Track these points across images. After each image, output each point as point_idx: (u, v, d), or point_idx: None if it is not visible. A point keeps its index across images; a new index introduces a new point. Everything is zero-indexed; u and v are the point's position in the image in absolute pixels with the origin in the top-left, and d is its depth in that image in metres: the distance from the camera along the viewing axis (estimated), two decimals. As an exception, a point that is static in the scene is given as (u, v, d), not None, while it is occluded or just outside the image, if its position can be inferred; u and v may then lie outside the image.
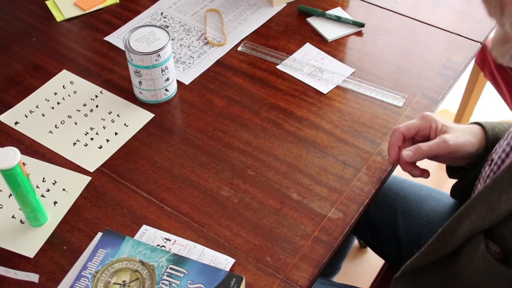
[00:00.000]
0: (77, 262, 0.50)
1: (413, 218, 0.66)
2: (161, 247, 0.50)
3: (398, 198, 0.67)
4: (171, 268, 0.48)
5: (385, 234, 0.69)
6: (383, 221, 0.68)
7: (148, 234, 0.51)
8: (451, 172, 0.59)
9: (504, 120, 0.55)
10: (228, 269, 0.49)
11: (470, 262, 0.43)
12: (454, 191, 0.61)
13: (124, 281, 0.47)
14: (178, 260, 0.49)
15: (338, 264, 0.89)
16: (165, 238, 0.51)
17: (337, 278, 0.93)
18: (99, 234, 0.51)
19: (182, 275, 0.48)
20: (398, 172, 0.71)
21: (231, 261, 0.50)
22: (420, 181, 0.71)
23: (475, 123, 0.55)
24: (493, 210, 0.40)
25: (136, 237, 0.51)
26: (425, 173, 0.54)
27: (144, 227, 0.52)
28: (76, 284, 0.47)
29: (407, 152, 0.53)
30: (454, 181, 0.61)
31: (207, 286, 0.47)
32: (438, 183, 1.29)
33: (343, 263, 0.86)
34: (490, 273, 0.41)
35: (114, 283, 0.47)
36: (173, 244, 0.50)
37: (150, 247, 0.50)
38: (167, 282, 0.47)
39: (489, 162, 0.49)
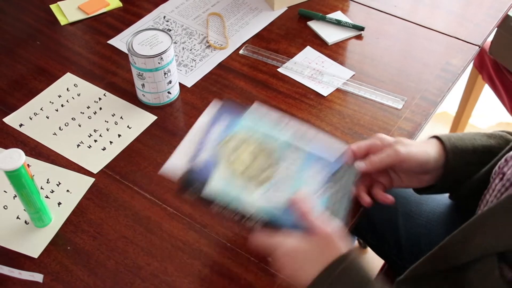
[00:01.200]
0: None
1: (413, 219, 0.66)
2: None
3: (398, 199, 0.67)
4: (294, 145, 0.46)
5: (385, 234, 0.69)
6: (383, 221, 0.69)
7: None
8: (417, 190, 0.56)
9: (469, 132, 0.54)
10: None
11: (482, 283, 0.42)
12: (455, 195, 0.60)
13: (250, 156, 0.44)
14: (302, 136, 0.47)
15: None
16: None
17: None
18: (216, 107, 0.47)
19: (305, 152, 0.46)
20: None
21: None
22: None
23: (432, 137, 0.53)
24: (508, 233, 0.39)
25: None
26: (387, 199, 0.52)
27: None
28: (198, 154, 0.44)
29: (359, 163, 0.50)
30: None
31: (333, 164, 0.45)
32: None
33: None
34: None
35: (239, 157, 0.44)
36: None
37: (269, 122, 0.47)
38: (291, 159, 0.44)
39: (500, 176, 0.47)
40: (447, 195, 0.68)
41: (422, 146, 0.51)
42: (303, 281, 0.44)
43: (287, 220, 0.44)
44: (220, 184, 0.44)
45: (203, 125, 0.47)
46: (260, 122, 0.47)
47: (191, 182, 0.45)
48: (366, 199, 0.52)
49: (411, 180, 0.53)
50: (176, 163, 0.46)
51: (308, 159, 0.46)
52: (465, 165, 0.51)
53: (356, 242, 1.09)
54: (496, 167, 0.49)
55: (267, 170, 0.44)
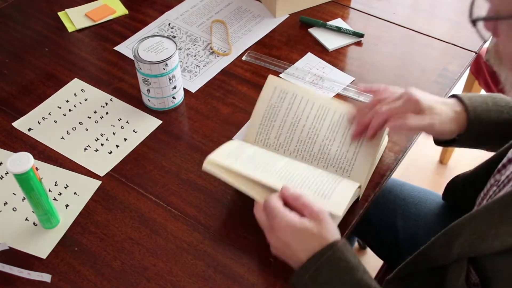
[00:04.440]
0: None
1: (412, 220, 0.67)
2: None
3: (398, 201, 0.68)
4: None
5: (385, 235, 0.70)
6: (383, 223, 0.69)
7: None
8: (437, 141, 0.57)
9: (484, 95, 0.54)
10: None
11: (452, 285, 0.44)
12: (447, 193, 0.61)
13: None
14: None
15: None
16: None
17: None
18: None
19: None
20: (398, 175, 0.72)
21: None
22: (419, 184, 0.73)
23: (458, 98, 0.53)
24: (481, 240, 0.40)
25: None
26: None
27: None
28: None
29: (390, 122, 0.51)
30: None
31: None
32: (436, 186, 1.30)
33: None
34: None
35: None
36: None
37: None
38: None
39: (497, 181, 0.48)
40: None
41: (453, 126, 0.51)
42: (292, 260, 0.46)
43: None
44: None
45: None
46: None
47: None
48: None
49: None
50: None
51: None
52: (486, 136, 0.52)
53: (356, 243, 1.10)
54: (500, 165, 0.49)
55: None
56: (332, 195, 0.50)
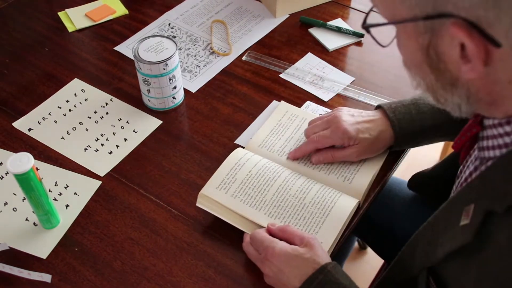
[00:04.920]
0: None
1: (412, 220, 0.67)
2: None
3: (397, 199, 0.69)
4: None
5: (384, 235, 0.70)
6: (383, 222, 0.69)
7: None
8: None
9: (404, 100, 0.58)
10: None
11: None
12: (413, 182, 0.63)
13: None
14: None
15: (339, 264, 0.90)
16: None
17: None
18: None
19: None
20: (398, 175, 0.72)
21: None
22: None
23: (381, 109, 0.58)
24: (433, 249, 0.41)
25: None
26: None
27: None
28: None
29: (316, 158, 0.58)
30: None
31: None
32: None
33: (344, 264, 0.88)
34: None
35: None
36: None
37: None
38: None
39: (459, 178, 0.48)
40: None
41: (379, 144, 0.57)
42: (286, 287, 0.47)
43: None
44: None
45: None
46: None
47: None
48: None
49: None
50: (247, 135, 0.62)
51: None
52: (416, 142, 0.57)
53: (356, 243, 1.10)
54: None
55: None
56: (320, 230, 0.52)
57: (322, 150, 0.58)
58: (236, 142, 0.63)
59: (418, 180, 0.63)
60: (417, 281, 0.44)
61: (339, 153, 0.57)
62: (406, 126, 0.56)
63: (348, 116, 0.57)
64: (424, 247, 0.43)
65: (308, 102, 0.68)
